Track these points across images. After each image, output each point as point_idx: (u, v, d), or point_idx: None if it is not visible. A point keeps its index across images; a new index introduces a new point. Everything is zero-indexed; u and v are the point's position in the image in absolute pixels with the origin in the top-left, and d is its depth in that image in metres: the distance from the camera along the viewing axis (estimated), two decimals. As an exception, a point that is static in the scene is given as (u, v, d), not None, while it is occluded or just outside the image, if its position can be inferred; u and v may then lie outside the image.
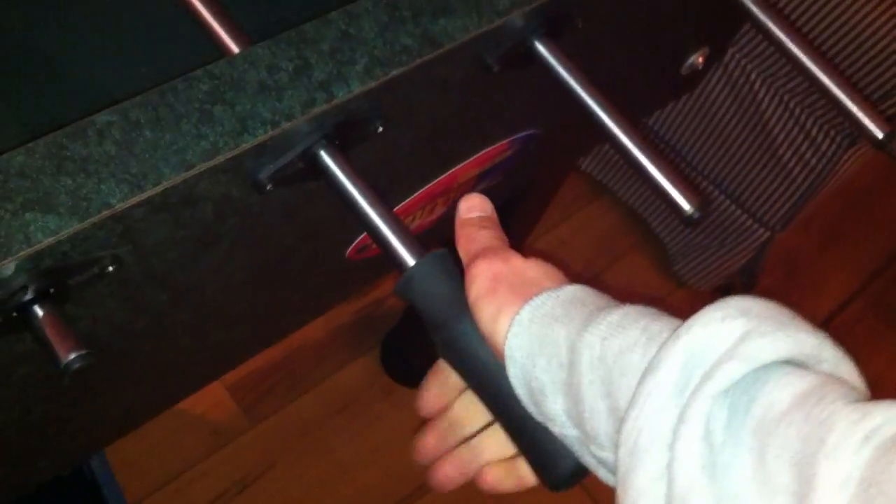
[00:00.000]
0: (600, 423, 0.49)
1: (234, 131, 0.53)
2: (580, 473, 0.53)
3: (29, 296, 0.48)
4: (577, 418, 0.50)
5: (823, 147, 1.60)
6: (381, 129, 0.61)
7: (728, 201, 1.80)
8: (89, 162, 0.49)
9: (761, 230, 1.79)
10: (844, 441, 0.39)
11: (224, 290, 0.65)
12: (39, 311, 0.49)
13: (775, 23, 0.74)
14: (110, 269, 0.51)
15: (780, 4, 1.49)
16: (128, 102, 0.52)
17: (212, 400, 1.69)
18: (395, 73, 0.58)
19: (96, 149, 0.50)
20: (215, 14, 0.60)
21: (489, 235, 0.59)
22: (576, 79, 0.67)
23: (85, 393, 0.66)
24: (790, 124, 1.61)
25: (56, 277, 0.49)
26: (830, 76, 0.73)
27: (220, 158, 0.52)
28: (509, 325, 0.53)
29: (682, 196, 0.65)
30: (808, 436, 0.40)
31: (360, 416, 1.74)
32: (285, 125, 0.54)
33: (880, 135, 0.72)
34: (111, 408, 0.73)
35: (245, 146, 0.53)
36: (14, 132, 0.54)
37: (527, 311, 0.53)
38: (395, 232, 0.57)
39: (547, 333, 0.52)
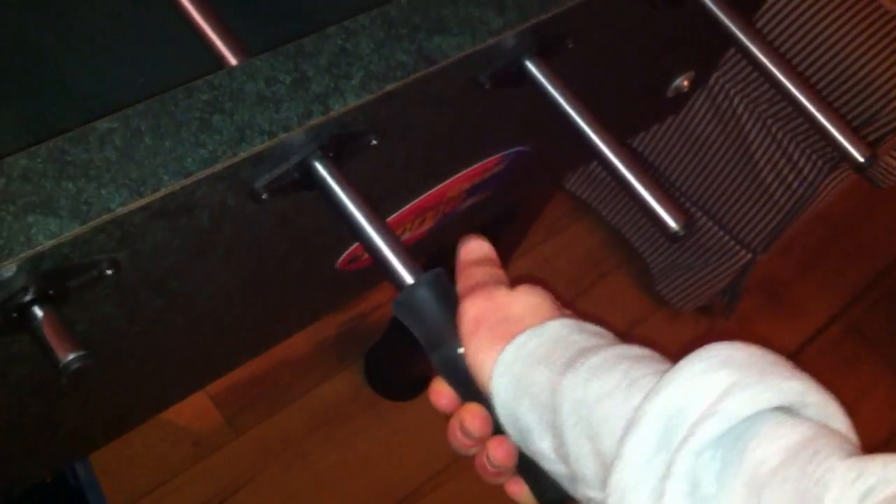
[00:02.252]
0: (587, 464, 0.49)
1: (233, 140, 0.54)
2: (570, 501, 0.55)
3: (29, 297, 0.49)
4: (564, 458, 0.51)
5: (805, 171, 1.63)
6: (375, 142, 0.62)
7: (711, 223, 1.82)
8: (90, 167, 0.50)
9: (743, 252, 1.81)
10: (841, 502, 0.40)
11: (217, 296, 0.66)
12: (39, 312, 0.50)
13: (760, 49, 0.76)
14: (108, 272, 0.52)
15: (765, 31, 1.52)
16: (129, 109, 0.53)
17: (196, 410, 1.69)
18: (389, 87, 0.59)
19: (98, 154, 0.51)
20: (216, 26, 0.62)
21: (483, 272, 0.60)
22: (565, 98, 0.69)
23: (78, 395, 0.67)
24: (772, 148, 1.64)
25: (56, 279, 0.50)
26: (813, 101, 0.75)
27: (219, 166, 0.53)
28: (493, 366, 0.54)
29: (668, 214, 0.67)
30: (805, 494, 0.41)
31: (342, 429, 1.75)
32: (282, 135, 0.55)
33: (861, 159, 0.74)
34: (101, 411, 0.74)
35: (243, 155, 0.54)
36: (17, 136, 0.54)
37: (509, 352, 0.54)
38: (392, 248, 0.59)
39: (530, 374, 0.53)
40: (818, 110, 0.75)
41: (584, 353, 0.52)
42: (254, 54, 0.59)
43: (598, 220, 2.05)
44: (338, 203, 0.60)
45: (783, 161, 1.64)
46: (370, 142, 0.62)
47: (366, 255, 0.70)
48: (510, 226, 1.31)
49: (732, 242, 1.82)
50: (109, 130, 0.52)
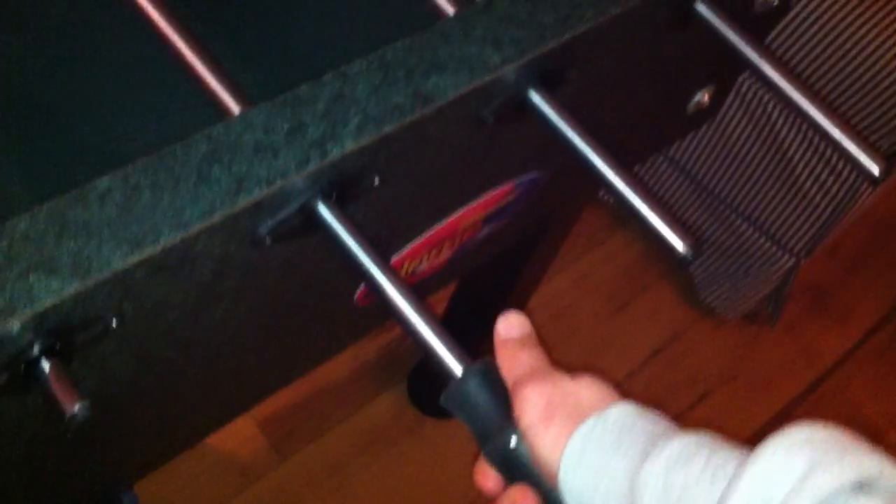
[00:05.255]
0: None
1: (231, 191, 0.55)
2: None
3: (35, 352, 0.51)
4: None
5: (844, 174, 1.60)
6: (377, 183, 0.63)
7: (751, 229, 1.80)
8: (90, 225, 0.52)
9: (786, 257, 1.79)
10: None
11: (230, 343, 0.68)
12: (45, 366, 0.51)
13: (769, 65, 0.76)
14: (113, 326, 0.54)
15: (786, 48, 1.51)
16: (129, 166, 0.54)
17: (242, 437, 1.70)
18: (387, 130, 0.60)
19: (97, 212, 0.52)
20: (218, 77, 0.63)
21: (533, 356, 0.60)
22: (570, 127, 0.69)
23: (96, 443, 0.69)
24: (809, 153, 1.62)
25: (60, 335, 0.52)
26: (824, 115, 0.74)
27: (217, 217, 0.54)
28: (561, 455, 0.54)
29: (675, 237, 0.66)
30: None
31: (385, 452, 1.75)
32: (280, 183, 0.56)
33: (876, 172, 0.73)
34: (128, 452, 0.75)
35: (241, 205, 0.55)
36: (19, 191, 0.56)
37: (577, 441, 0.54)
38: (434, 331, 0.58)
39: (603, 465, 0.53)
40: (831, 123, 0.75)
41: (659, 438, 0.52)
42: (253, 103, 0.60)
43: (635, 231, 2.04)
44: (344, 248, 0.60)
45: (821, 165, 1.61)
46: (372, 183, 0.63)
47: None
48: (539, 246, 1.31)
49: (775, 248, 1.80)
50: (109, 188, 0.53)
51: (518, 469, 0.56)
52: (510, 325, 0.62)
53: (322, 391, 1.78)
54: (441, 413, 1.92)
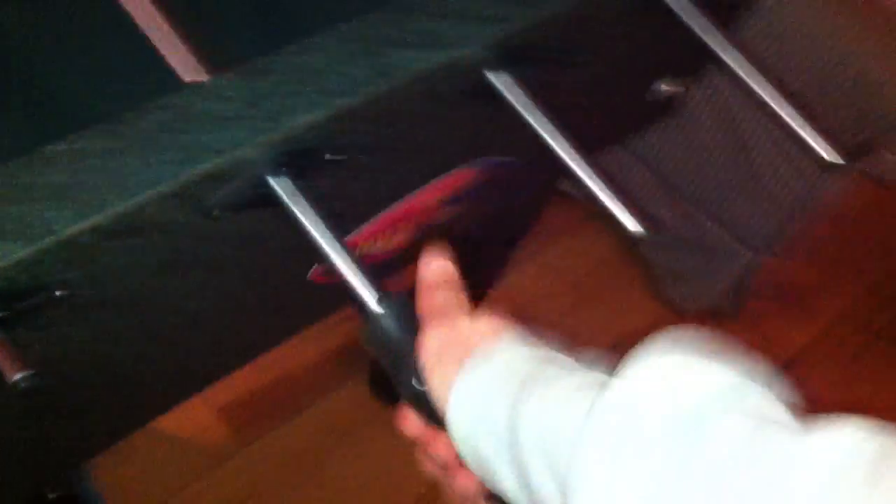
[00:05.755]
0: (548, 492, 0.48)
1: (181, 160, 0.55)
2: None
3: (-24, 320, 0.50)
4: (527, 488, 0.50)
5: (806, 171, 1.62)
6: (330, 157, 0.63)
7: (715, 225, 1.81)
8: (37, 189, 0.51)
9: (747, 253, 1.80)
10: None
11: (184, 316, 0.67)
12: (-12, 335, 0.51)
13: (733, 55, 0.76)
14: (58, 293, 0.53)
15: (762, 25, 1.51)
16: (78, 133, 0.54)
17: (201, 424, 1.70)
18: (342, 103, 0.60)
19: (45, 177, 0.52)
20: (175, 46, 0.63)
21: (446, 297, 0.60)
22: (527, 110, 0.69)
23: (51, 415, 0.68)
24: (772, 149, 1.63)
25: (6, 301, 0.51)
26: (787, 103, 0.75)
27: (166, 185, 0.53)
28: (448, 400, 0.54)
29: (628, 216, 0.67)
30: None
31: (351, 438, 1.75)
32: (231, 153, 0.56)
33: (829, 159, 0.74)
34: (85, 423, 0.74)
35: (191, 173, 0.54)
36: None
37: (460, 383, 0.54)
38: (354, 271, 0.59)
39: (485, 408, 0.52)
40: (792, 112, 0.76)
41: (537, 377, 0.51)
42: (212, 72, 0.60)
43: (607, 226, 2.04)
44: (296, 220, 0.60)
45: (780, 159, 1.63)
46: (326, 157, 0.63)
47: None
48: (499, 235, 1.31)
49: (736, 244, 1.81)
50: (56, 153, 0.53)
51: (429, 410, 0.57)
52: (431, 268, 0.62)
53: (284, 380, 1.78)
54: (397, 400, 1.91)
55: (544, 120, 0.69)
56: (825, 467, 0.38)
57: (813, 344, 2.02)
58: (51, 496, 1.32)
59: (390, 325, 0.58)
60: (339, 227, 0.62)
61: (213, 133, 0.56)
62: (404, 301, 0.59)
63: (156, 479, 1.61)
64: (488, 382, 0.53)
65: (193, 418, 1.68)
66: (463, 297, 0.61)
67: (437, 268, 0.62)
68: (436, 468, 0.60)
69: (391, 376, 0.59)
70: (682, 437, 0.43)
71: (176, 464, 1.64)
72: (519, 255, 1.65)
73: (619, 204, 0.67)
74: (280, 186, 0.60)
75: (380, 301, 0.58)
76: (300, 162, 0.61)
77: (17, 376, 0.49)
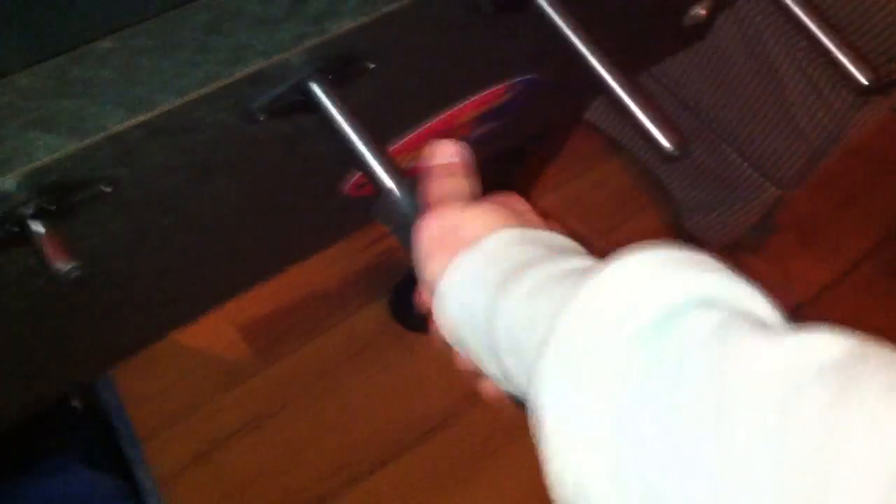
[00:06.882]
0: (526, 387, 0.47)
1: (229, 60, 0.55)
2: None
3: (29, 210, 0.51)
4: (509, 381, 0.50)
5: (835, 106, 1.61)
6: (373, 65, 0.63)
7: (740, 158, 1.81)
8: (90, 86, 0.52)
9: (772, 188, 1.80)
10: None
11: (223, 217, 0.68)
12: (39, 226, 0.52)
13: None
14: (107, 189, 0.54)
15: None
16: (128, 31, 0.55)
17: (225, 341, 1.72)
18: (387, 10, 0.60)
19: (97, 73, 0.53)
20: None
21: (454, 184, 0.60)
22: (567, 23, 0.69)
23: (92, 310, 0.70)
24: (802, 82, 1.62)
25: (56, 195, 0.52)
26: (818, 25, 0.75)
27: (215, 86, 0.54)
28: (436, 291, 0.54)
29: (662, 134, 0.67)
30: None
31: (372, 361, 1.78)
32: (277, 57, 0.56)
33: (865, 81, 0.74)
34: (119, 324, 0.76)
35: (238, 75, 0.55)
36: (20, 57, 0.56)
37: (448, 273, 0.53)
38: (377, 156, 0.60)
39: (467, 299, 0.52)
40: (822, 32, 0.75)
41: (521, 269, 0.50)
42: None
43: (630, 159, 2.05)
44: (334, 124, 0.61)
45: (813, 96, 1.62)
46: (368, 65, 0.63)
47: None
48: (530, 155, 1.31)
49: (762, 178, 1.80)
50: (109, 50, 0.54)
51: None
52: (443, 152, 0.62)
53: (309, 299, 1.80)
54: (422, 328, 1.95)
55: (584, 36, 0.69)
56: (793, 371, 0.37)
57: (835, 283, 2.03)
58: (75, 404, 1.35)
59: (398, 199, 0.59)
60: (376, 134, 0.62)
61: (260, 36, 0.56)
62: (416, 182, 0.60)
63: (177, 394, 1.65)
64: (472, 273, 0.52)
65: (217, 336, 1.71)
66: (469, 186, 0.60)
67: (449, 152, 0.62)
68: (468, 373, 0.61)
69: (403, 249, 0.59)
70: (646, 347, 0.42)
71: (200, 379, 1.67)
72: (541, 186, 1.65)
73: (655, 121, 0.67)
74: (321, 92, 0.60)
75: (393, 177, 0.59)
76: (342, 68, 0.61)
77: (67, 267, 0.51)
